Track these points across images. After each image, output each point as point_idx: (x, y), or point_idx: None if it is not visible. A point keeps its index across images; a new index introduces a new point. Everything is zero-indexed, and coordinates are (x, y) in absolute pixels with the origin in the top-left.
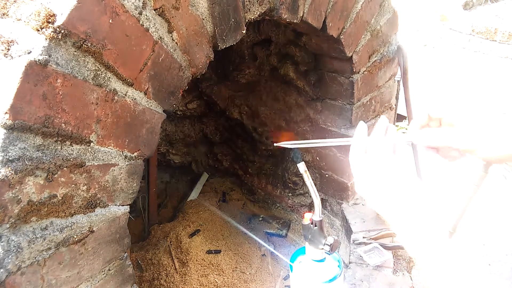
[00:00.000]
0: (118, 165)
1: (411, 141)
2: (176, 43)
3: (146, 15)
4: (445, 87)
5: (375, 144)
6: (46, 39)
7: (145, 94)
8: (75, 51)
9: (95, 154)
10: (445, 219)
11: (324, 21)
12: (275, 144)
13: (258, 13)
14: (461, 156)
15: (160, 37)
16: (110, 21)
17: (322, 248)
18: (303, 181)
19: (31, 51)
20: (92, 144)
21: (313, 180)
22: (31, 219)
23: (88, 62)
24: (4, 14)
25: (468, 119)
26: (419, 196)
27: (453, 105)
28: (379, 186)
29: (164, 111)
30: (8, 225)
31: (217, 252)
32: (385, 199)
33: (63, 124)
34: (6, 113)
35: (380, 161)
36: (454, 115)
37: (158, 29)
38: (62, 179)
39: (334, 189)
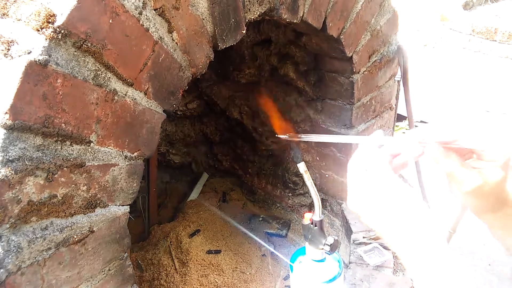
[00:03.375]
0: (118, 165)
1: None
2: (176, 43)
3: (146, 15)
4: (446, 87)
5: (376, 161)
6: (46, 39)
7: (145, 94)
8: (75, 51)
9: (95, 154)
10: (443, 227)
11: (324, 21)
12: (281, 136)
13: (258, 13)
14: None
15: (160, 37)
16: (110, 21)
17: (322, 248)
18: (303, 181)
19: (31, 51)
20: (92, 144)
21: (313, 180)
22: (31, 219)
23: (88, 62)
24: (4, 14)
25: None
26: (421, 219)
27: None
28: (377, 206)
29: (164, 111)
30: (8, 225)
31: (217, 252)
32: (382, 219)
33: (63, 124)
34: (6, 113)
35: (381, 182)
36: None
37: (158, 29)
38: (62, 179)
39: (334, 189)
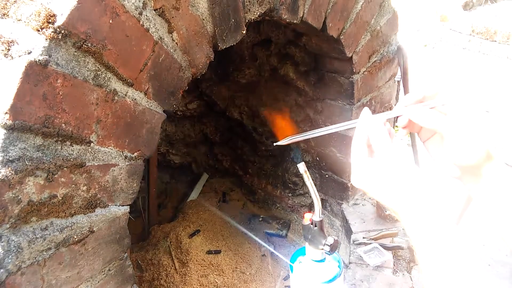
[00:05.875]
0: (118, 165)
1: (403, 114)
2: (176, 43)
3: (146, 15)
4: (445, 87)
5: (376, 134)
6: (46, 39)
7: (145, 94)
8: (75, 51)
9: (95, 154)
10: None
11: (324, 22)
12: (274, 144)
13: (258, 13)
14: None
15: (160, 38)
16: (110, 21)
17: (322, 248)
18: (303, 181)
19: (31, 51)
20: (92, 144)
21: (313, 180)
22: (31, 219)
23: (88, 62)
24: (4, 14)
25: (463, 113)
26: (427, 186)
27: (452, 91)
28: (383, 179)
29: (164, 111)
30: (8, 225)
31: (217, 252)
32: (389, 190)
33: (63, 124)
34: (6, 113)
35: (384, 154)
36: (451, 104)
37: (158, 30)
38: (62, 179)
39: (334, 189)
